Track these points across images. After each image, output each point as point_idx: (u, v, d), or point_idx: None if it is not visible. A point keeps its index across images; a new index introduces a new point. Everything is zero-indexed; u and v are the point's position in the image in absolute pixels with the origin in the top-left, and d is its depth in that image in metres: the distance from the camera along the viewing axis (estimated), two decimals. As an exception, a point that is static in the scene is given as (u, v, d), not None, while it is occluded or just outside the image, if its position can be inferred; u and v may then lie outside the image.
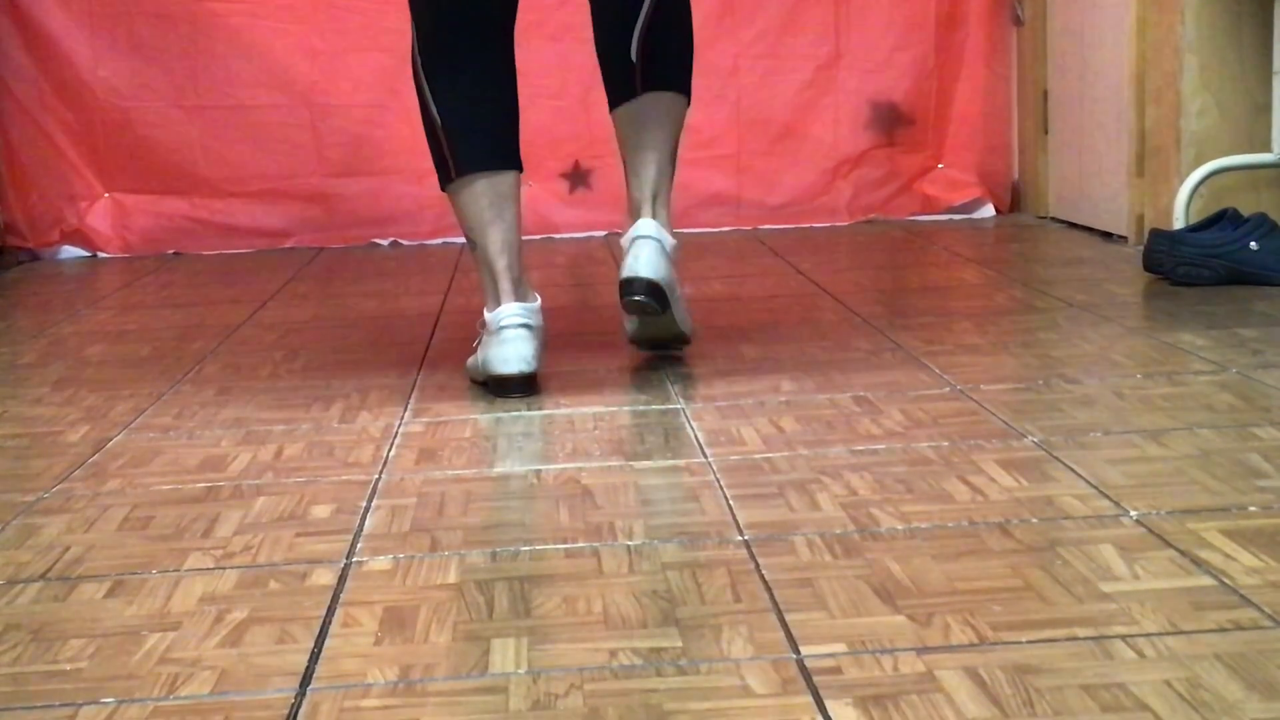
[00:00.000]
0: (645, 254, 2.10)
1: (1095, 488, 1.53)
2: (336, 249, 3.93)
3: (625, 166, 2.19)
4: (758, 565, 1.34)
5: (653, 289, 2.10)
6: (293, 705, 1.10)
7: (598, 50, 2.21)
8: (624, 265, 2.12)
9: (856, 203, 4.02)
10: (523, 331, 2.08)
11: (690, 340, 2.27)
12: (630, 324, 2.25)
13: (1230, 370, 2.03)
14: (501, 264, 2.10)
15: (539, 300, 2.14)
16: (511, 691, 1.10)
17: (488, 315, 2.10)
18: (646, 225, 2.12)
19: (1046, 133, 3.84)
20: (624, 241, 2.14)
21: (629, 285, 2.10)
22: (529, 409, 2.01)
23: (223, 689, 1.13)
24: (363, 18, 3.92)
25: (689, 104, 2.20)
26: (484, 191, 2.10)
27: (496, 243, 2.10)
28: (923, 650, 1.14)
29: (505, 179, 2.11)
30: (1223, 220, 2.74)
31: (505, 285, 2.10)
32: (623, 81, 2.16)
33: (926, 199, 4.04)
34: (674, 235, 2.15)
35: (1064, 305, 2.60)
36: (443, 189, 2.16)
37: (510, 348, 2.07)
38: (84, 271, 3.78)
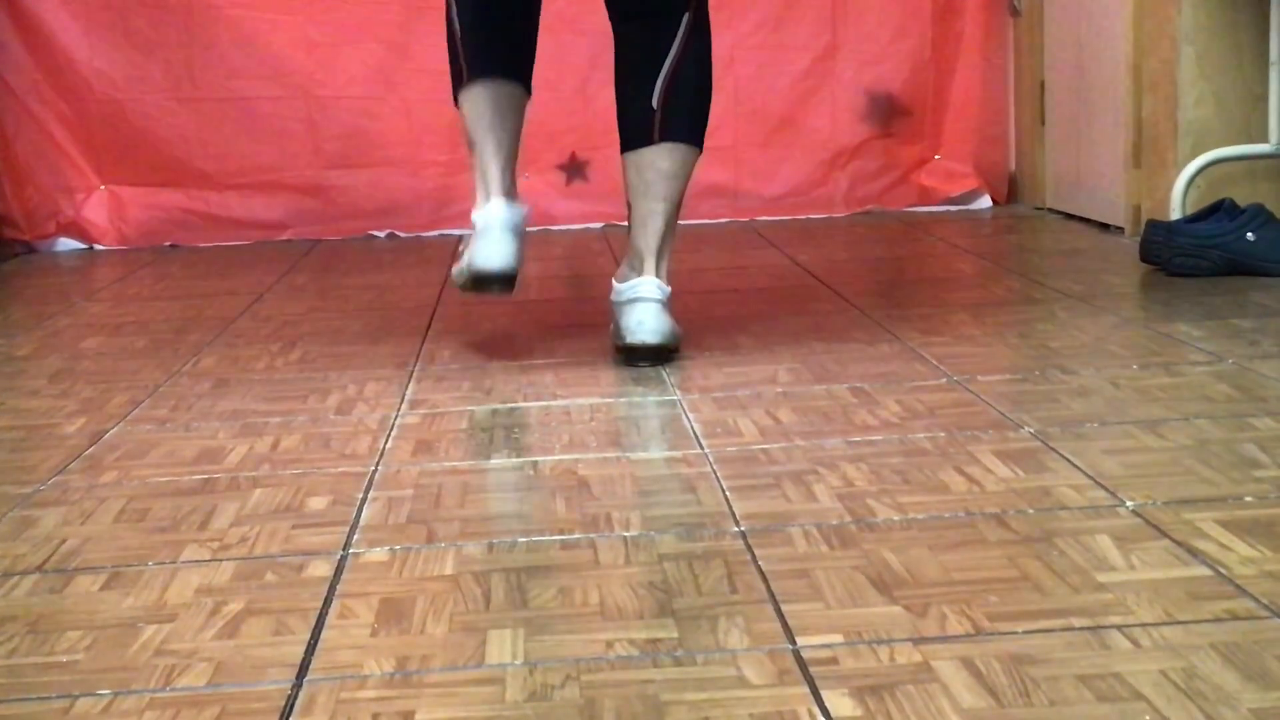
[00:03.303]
0: (650, 320, 2.15)
1: (1091, 478, 1.53)
2: (333, 241, 3.93)
3: (630, 210, 2.24)
4: (754, 556, 1.34)
5: (660, 353, 2.17)
6: (289, 697, 1.10)
7: (617, 87, 2.26)
8: (626, 328, 2.17)
9: (853, 194, 4.01)
10: (508, 234, 2.15)
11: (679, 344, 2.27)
12: (616, 340, 2.24)
13: (1227, 361, 2.03)
14: (495, 165, 2.19)
15: (528, 208, 2.22)
16: (508, 682, 1.10)
17: (475, 215, 2.18)
18: (649, 286, 2.17)
19: (1043, 123, 3.84)
20: (622, 292, 2.19)
21: (635, 353, 2.16)
22: (524, 400, 2.01)
23: (219, 681, 1.13)
24: (359, 9, 3.92)
25: (700, 154, 2.25)
26: (491, 98, 2.21)
27: (492, 145, 2.20)
28: (919, 640, 1.14)
29: (514, 91, 2.23)
30: (1219, 211, 2.74)
31: (495, 186, 2.18)
32: (639, 126, 2.21)
33: (923, 190, 4.04)
34: (669, 281, 2.21)
35: (1061, 296, 2.60)
36: (455, 100, 2.25)
37: (496, 246, 2.14)
38: (80, 264, 3.77)
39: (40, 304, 3.12)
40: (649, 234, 2.20)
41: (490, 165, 2.19)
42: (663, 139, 2.19)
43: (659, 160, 2.19)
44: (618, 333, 2.21)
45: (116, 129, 3.93)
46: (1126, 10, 3.23)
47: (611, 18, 2.27)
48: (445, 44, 2.27)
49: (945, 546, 1.35)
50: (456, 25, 2.23)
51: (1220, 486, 1.49)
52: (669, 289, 2.19)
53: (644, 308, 2.16)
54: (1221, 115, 3.06)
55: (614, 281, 2.24)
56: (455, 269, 2.29)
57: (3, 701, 1.12)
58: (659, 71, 2.18)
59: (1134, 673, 1.06)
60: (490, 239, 2.15)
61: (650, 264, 2.19)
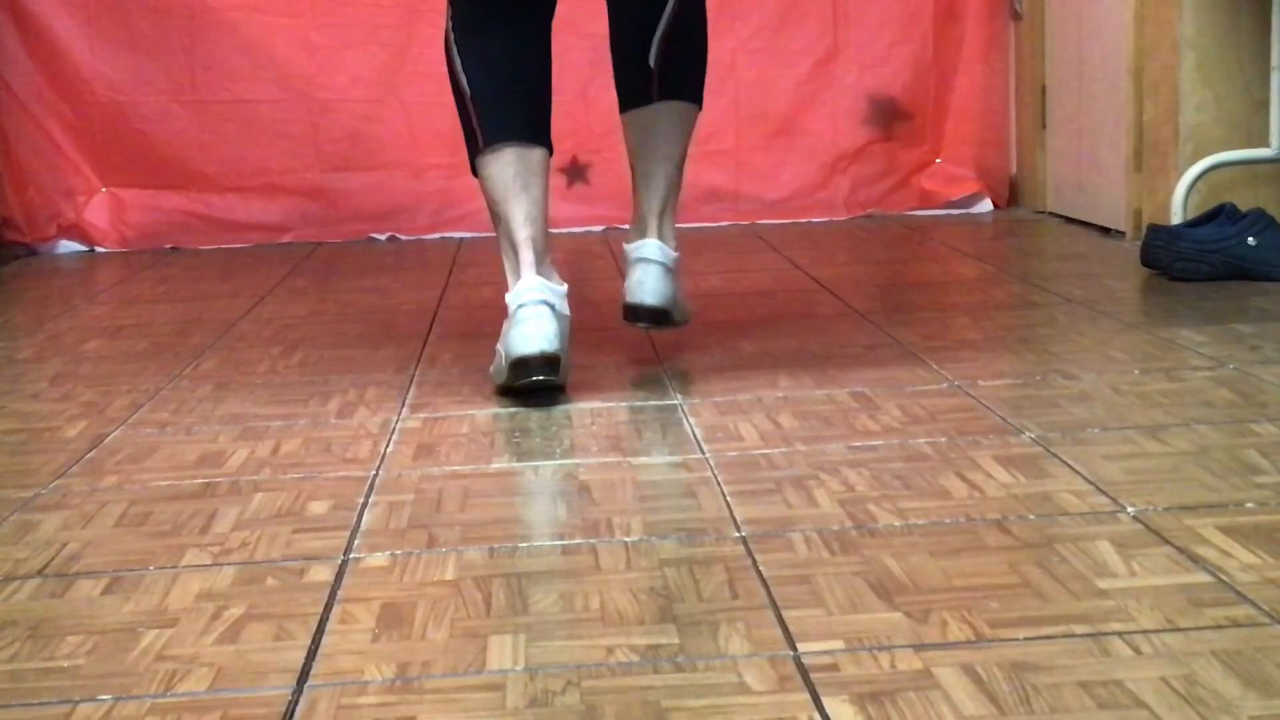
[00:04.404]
0: (650, 281, 2.13)
1: (1092, 484, 1.53)
2: (334, 244, 3.93)
3: (633, 171, 2.20)
4: (755, 562, 1.34)
5: (657, 315, 2.14)
6: (290, 702, 1.10)
7: (613, 48, 2.22)
8: (628, 287, 2.14)
9: (854, 198, 4.01)
10: (544, 309, 1.95)
11: (688, 321, 2.28)
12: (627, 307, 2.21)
13: (1228, 366, 2.03)
14: (523, 234, 2.00)
15: (565, 287, 2.04)
16: (509, 688, 1.10)
17: (508, 297, 2.01)
18: (651, 248, 2.14)
19: (1044, 127, 3.84)
20: (629, 253, 2.17)
21: (634, 312, 2.14)
22: (526, 405, 2.01)
23: (220, 686, 1.13)
24: (361, 12, 3.92)
25: (700, 111, 2.21)
26: (511, 162, 2.03)
27: (519, 214, 2.02)
28: (920, 647, 1.14)
29: (534, 154, 2.05)
30: (1220, 215, 2.74)
31: (526, 257, 2.00)
32: (638, 86, 2.17)
33: (924, 194, 4.04)
34: (676, 247, 2.17)
35: (1062, 301, 2.60)
36: (472, 166, 2.09)
37: (531, 325, 1.93)
38: (81, 266, 3.77)
39: (41, 307, 3.12)
40: (651, 194, 2.16)
41: (519, 237, 2.00)
42: (662, 97, 2.16)
43: (659, 119, 2.16)
44: (623, 293, 2.18)
45: (118, 131, 3.93)
46: (1128, 15, 3.23)
47: None
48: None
49: (946, 552, 1.34)
50: (465, 85, 2.06)
51: (1221, 492, 1.49)
52: (675, 254, 2.16)
53: (644, 268, 2.14)
54: (1222, 120, 3.06)
55: (624, 245, 2.22)
56: (492, 368, 2.08)
57: (3, 706, 1.12)
58: (654, 30, 2.14)
59: (1135, 680, 1.06)
60: (523, 320, 1.94)
61: (653, 225, 2.16)
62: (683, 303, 2.24)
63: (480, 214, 3.92)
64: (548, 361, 1.93)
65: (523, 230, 2.01)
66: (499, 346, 2.03)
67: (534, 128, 2.07)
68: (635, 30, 2.17)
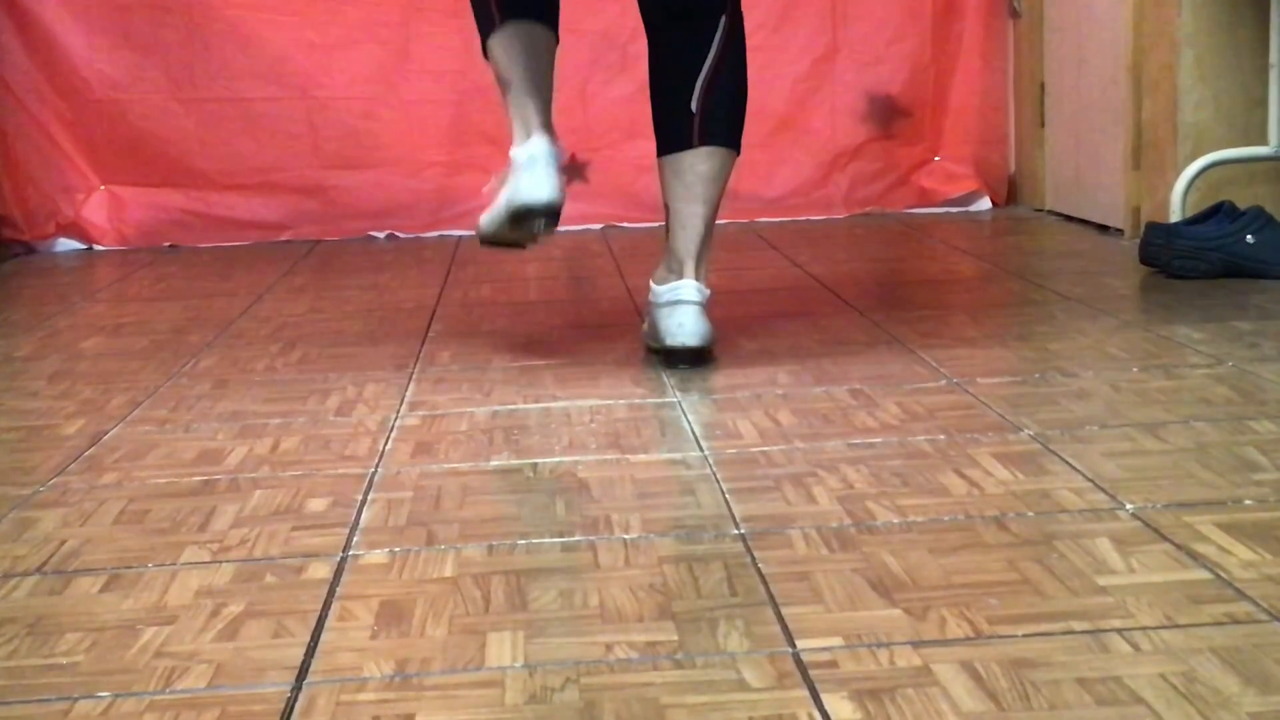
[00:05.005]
0: (690, 322, 2.14)
1: (1091, 481, 1.53)
2: (333, 241, 3.93)
3: (668, 214, 2.21)
4: (754, 559, 1.34)
5: (700, 355, 2.16)
6: (289, 699, 1.10)
7: (653, 91, 2.25)
8: (665, 330, 2.16)
9: (853, 196, 4.02)
10: (552, 166, 2.08)
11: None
12: (652, 341, 2.25)
13: (1226, 363, 2.03)
14: (533, 101, 2.12)
15: (565, 155, 2.16)
16: (508, 685, 1.10)
17: (515, 151, 2.11)
18: (689, 289, 2.16)
19: (1043, 125, 3.84)
20: (661, 294, 2.18)
21: (676, 355, 2.16)
22: (524, 401, 2.01)
23: (219, 683, 1.13)
24: (359, 10, 3.92)
25: (738, 156, 2.23)
26: (524, 38, 2.14)
27: (530, 82, 2.13)
28: (919, 644, 1.14)
29: (545, 33, 2.16)
30: (1219, 213, 2.74)
31: (534, 120, 2.11)
32: (677, 130, 2.20)
33: (923, 192, 4.04)
34: (709, 282, 2.20)
35: (1060, 298, 2.60)
36: (485, 46, 2.18)
37: (540, 178, 2.07)
38: (80, 264, 3.77)
39: (40, 304, 3.12)
40: (688, 237, 2.18)
41: (528, 101, 2.12)
42: (702, 142, 2.18)
43: (698, 164, 2.18)
44: (655, 334, 2.20)
45: (116, 129, 3.93)
46: (1126, 12, 3.24)
47: (647, 21, 2.25)
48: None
49: (945, 549, 1.35)
50: None
51: (1220, 490, 1.49)
52: (708, 291, 2.18)
53: (684, 310, 2.15)
54: (1221, 118, 3.06)
55: (651, 283, 2.23)
56: (484, 217, 2.22)
57: (2, 704, 1.12)
58: (697, 74, 2.17)
59: (1134, 676, 1.06)
60: (534, 172, 2.08)
61: (690, 267, 2.18)
62: (714, 331, 2.23)
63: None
64: (552, 211, 2.09)
65: (532, 99, 2.12)
66: (502, 192, 2.13)
67: (544, 8, 2.17)
68: (678, 75, 2.20)
